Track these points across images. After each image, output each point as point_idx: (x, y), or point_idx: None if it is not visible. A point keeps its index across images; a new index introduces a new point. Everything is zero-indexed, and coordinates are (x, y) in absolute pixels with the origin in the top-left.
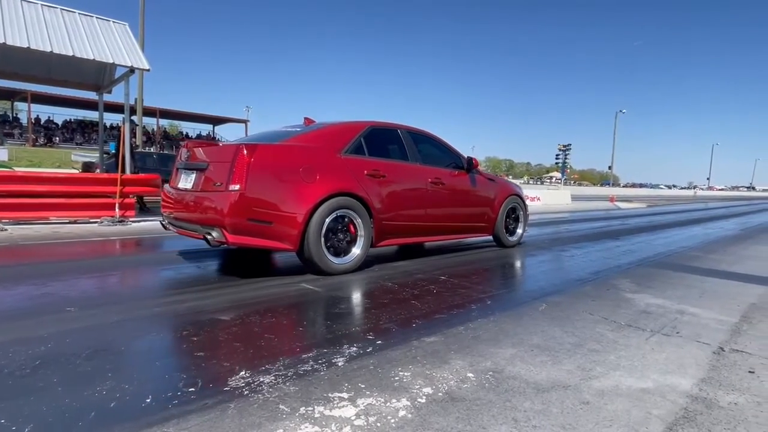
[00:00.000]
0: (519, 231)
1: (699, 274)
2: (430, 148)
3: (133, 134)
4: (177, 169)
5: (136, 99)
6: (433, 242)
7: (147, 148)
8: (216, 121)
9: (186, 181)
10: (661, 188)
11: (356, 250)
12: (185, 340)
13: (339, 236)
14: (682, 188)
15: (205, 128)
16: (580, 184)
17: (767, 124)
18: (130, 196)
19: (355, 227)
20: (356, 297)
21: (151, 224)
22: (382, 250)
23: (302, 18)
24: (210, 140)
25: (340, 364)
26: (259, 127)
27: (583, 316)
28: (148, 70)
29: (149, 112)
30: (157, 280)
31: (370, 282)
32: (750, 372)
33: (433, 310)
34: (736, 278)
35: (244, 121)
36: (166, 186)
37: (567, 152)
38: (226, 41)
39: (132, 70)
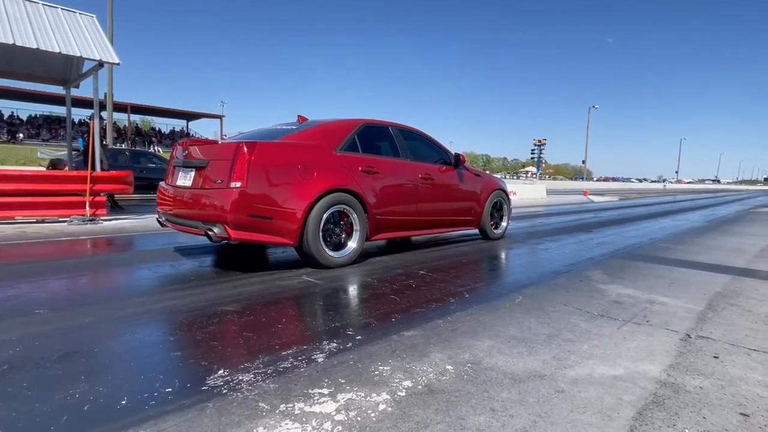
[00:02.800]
0: (503, 224)
1: (668, 265)
2: (419, 145)
3: (103, 130)
4: (174, 166)
5: (105, 94)
6: (415, 237)
7: (118, 144)
8: (190, 116)
9: (184, 179)
10: (633, 182)
11: (352, 244)
12: (161, 340)
13: (336, 231)
14: (652, 182)
15: (178, 124)
16: (554, 179)
17: (731, 119)
18: (101, 194)
19: (351, 222)
20: (334, 293)
21: (124, 222)
22: (365, 245)
23: (285, 12)
24: (185, 135)
25: (320, 360)
26: (235, 123)
27: (558, 307)
28: (118, 64)
29: (120, 108)
30: (131, 279)
31: (350, 278)
32: (714, 357)
33: (413, 304)
34: (703, 268)
35: (219, 117)
36: (162, 184)
37: (542, 147)
38: (201, 34)
39: (101, 64)
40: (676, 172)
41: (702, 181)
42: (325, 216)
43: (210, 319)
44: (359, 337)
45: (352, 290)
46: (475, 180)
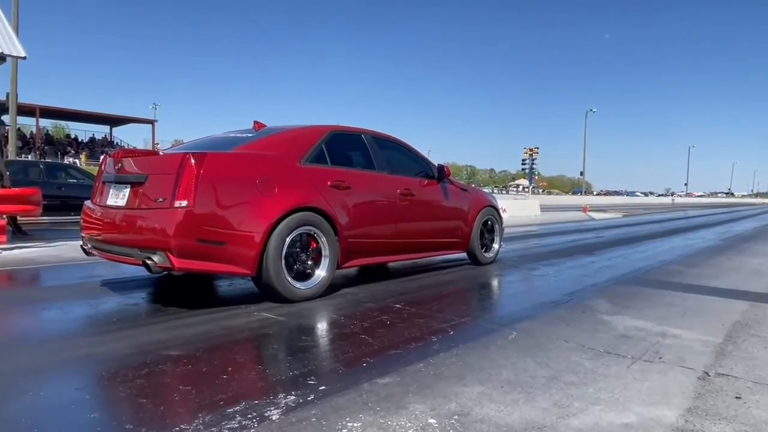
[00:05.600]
0: (495, 246)
1: (680, 291)
2: (397, 155)
3: (4, 138)
4: (103, 182)
5: (8, 94)
6: (392, 263)
7: (24, 155)
8: (115, 121)
9: (116, 197)
10: (638, 196)
11: (321, 272)
12: (75, 398)
13: (302, 257)
14: (659, 195)
15: (100, 130)
16: (549, 193)
17: (744, 125)
18: (1, 216)
19: (318, 246)
20: (294, 334)
21: (29, 252)
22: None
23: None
24: (108, 144)
25: (275, 417)
26: (172, 129)
27: (558, 343)
28: (24, 58)
29: (26, 111)
30: (39, 322)
31: (313, 314)
32: (737, 398)
33: (388, 345)
34: (719, 294)
35: (151, 122)
36: (88, 203)
37: (534, 157)
38: (129, 25)
39: (2, 57)
40: (685, 184)
41: (714, 194)
42: (288, 240)
43: (137, 370)
44: (323, 387)
45: (316, 330)
46: (461, 196)
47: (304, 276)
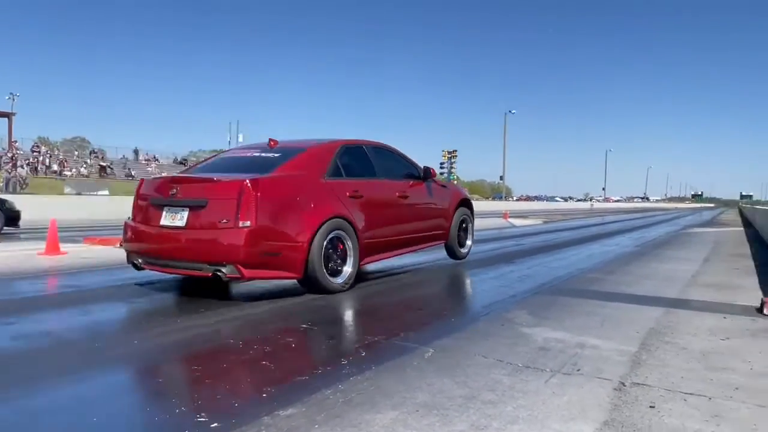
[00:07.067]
0: (468, 243)
1: (599, 299)
2: (391, 161)
3: None
4: (152, 205)
5: None
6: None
7: None
8: None
9: (174, 219)
10: (558, 201)
11: (348, 269)
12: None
13: (334, 257)
14: (578, 200)
15: None
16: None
17: (658, 129)
18: None
19: (345, 248)
20: (172, 370)
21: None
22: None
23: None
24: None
25: None
26: (33, 125)
27: (476, 360)
28: None
29: None
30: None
31: (201, 342)
32: (651, 407)
33: (292, 370)
34: (635, 301)
35: (7, 115)
36: (131, 223)
37: (453, 160)
38: None
39: None
40: (603, 189)
41: (631, 198)
42: (325, 243)
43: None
44: (216, 424)
45: (203, 360)
46: (443, 192)
47: (336, 273)
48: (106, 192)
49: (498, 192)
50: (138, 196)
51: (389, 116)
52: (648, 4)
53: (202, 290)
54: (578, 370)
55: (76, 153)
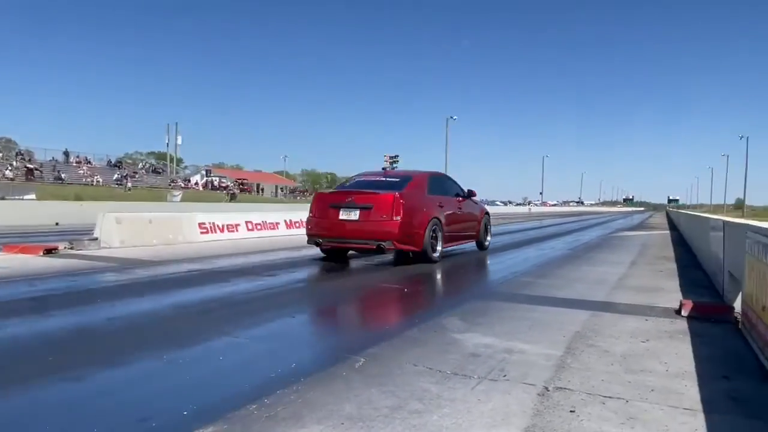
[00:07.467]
0: (489, 238)
1: (530, 303)
2: (450, 184)
3: None
4: (330, 207)
5: None
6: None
7: None
8: None
9: (349, 215)
10: (498, 205)
11: (439, 247)
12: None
13: (433, 241)
14: (517, 204)
15: None
16: None
17: (591, 136)
18: None
19: (437, 236)
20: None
21: None
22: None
23: None
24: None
25: None
26: None
27: (406, 368)
28: None
29: None
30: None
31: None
32: (571, 411)
33: (214, 384)
34: (565, 304)
35: None
36: (314, 218)
37: (395, 164)
38: None
39: None
40: (541, 193)
41: (567, 203)
42: (430, 232)
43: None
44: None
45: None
46: (476, 206)
47: (434, 250)
48: (33, 196)
49: None
50: (317, 200)
51: (337, 120)
52: (580, 8)
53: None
54: (504, 375)
55: (1, 155)
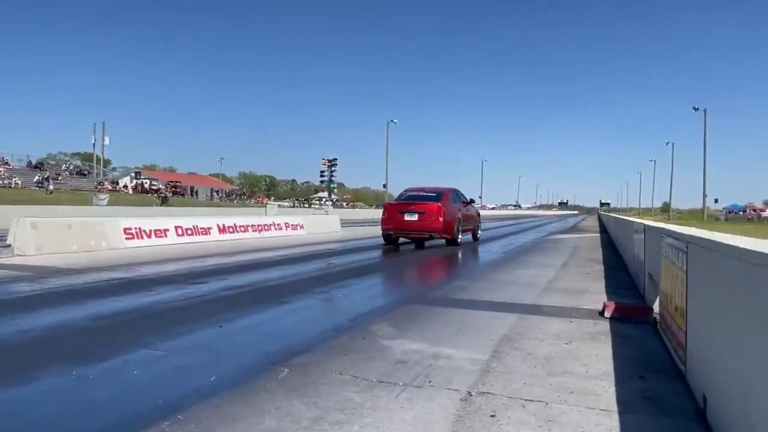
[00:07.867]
0: (479, 233)
1: (462, 308)
2: (460, 194)
3: None
4: (398, 212)
5: None
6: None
7: None
8: None
9: (411, 217)
10: None
11: (459, 236)
12: None
13: (459, 230)
14: None
15: None
16: (354, 206)
17: (529, 139)
18: None
19: (459, 228)
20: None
21: None
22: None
23: None
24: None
25: None
26: None
27: (332, 377)
28: None
29: None
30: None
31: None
32: (492, 416)
33: (126, 401)
34: (495, 308)
35: None
36: (387, 220)
37: (333, 168)
38: None
39: None
40: (480, 197)
41: (505, 206)
42: (457, 227)
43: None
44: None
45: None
46: (473, 209)
47: (458, 237)
48: None
49: (382, 200)
50: (387, 209)
51: (266, 125)
52: (538, 10)
53: None
54: (430, 382)
55: None
